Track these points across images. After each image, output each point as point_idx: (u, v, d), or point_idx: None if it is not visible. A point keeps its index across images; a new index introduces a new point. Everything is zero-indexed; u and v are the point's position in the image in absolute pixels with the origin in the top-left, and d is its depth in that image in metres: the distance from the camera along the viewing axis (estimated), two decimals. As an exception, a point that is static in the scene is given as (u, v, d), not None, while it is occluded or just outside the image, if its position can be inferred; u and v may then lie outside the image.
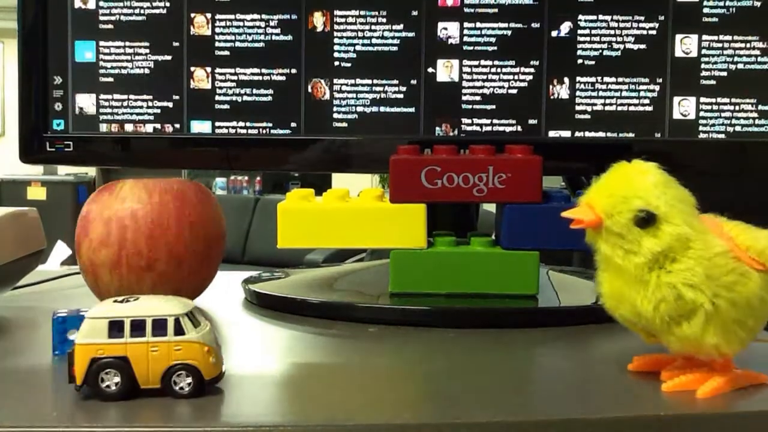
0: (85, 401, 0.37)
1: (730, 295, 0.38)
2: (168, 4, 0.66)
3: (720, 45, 0.65)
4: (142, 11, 0.66)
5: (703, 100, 0.65)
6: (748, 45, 0.65)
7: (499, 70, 0.65)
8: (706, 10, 0.64)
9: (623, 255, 0.39)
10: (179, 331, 0.38)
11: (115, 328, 0.37)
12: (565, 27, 0.65)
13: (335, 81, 0.65)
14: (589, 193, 0.41)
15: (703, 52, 0.65)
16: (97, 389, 0.37)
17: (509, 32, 0.65)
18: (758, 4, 0.64)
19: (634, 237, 0.39)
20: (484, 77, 0.65)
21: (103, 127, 0.67)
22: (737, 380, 0.41)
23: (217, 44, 0.66)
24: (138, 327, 0.37)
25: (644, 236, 0.39)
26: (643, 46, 0.65)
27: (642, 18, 0.64)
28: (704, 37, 0.65)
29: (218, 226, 0.60)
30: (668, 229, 0.39)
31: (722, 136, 0.65)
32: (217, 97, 0.66)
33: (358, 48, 0.65)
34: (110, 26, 0.66)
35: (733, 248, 0.39)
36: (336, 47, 0.65)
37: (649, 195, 0.39)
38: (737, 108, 0.65)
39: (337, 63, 0.65)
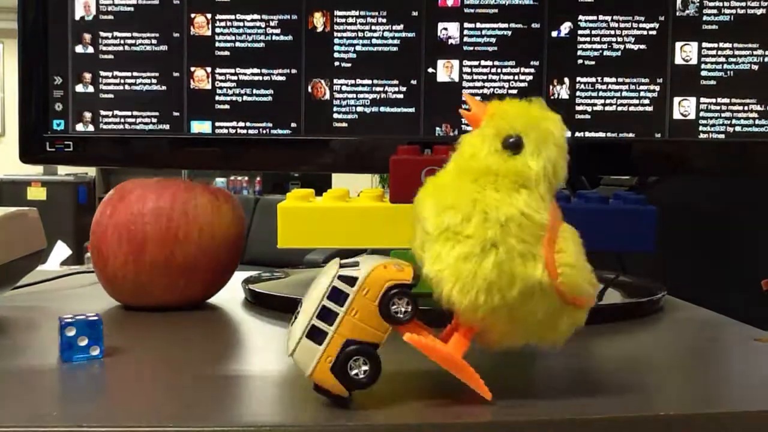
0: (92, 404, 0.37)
1: None
2: (168, 5, 0.66)
3: (720, 46, 0.65)
4: (142, 12, 0.66)
5: (703, 100, 0.65)
6: (748, 45, 0.65)
7: (499, 70, 0.65)
8: (706, 11, 0.64)
9: None
10: None
11: None
12: (565, 27, 0.65)
13: (335, 81, 0.65)
14: None
15: (704, 52, 0.65)
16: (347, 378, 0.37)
17: (509, 32, 0.65)
18: (757, 4, 0.64)
19: None
20: (484, 77, 0.65)
21: (103, 128, 0.67)
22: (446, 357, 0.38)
23: (217, 44, 0.66)
24: None
25: None
26: (643, 47, 0.65)
27: (642, 18, 0.64)
28: (704, 37, 0.65)
29: (237, 228, 0.61)
30: None
31: (722, 136, 0.65)
32: (217, 98, 0.66)
33: (358, 48, 0.65)
34: (110, 24, 0.66)
35: None
36: (336, 47, 0.65)
37: None
38: (737, 108, 0.65)
39: (337, 63, 0.65)
